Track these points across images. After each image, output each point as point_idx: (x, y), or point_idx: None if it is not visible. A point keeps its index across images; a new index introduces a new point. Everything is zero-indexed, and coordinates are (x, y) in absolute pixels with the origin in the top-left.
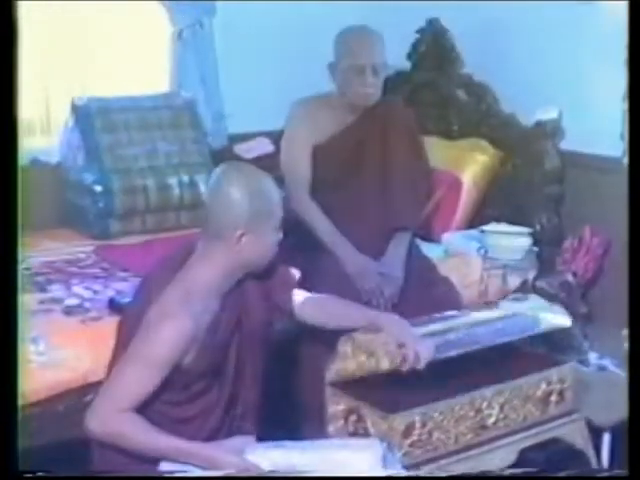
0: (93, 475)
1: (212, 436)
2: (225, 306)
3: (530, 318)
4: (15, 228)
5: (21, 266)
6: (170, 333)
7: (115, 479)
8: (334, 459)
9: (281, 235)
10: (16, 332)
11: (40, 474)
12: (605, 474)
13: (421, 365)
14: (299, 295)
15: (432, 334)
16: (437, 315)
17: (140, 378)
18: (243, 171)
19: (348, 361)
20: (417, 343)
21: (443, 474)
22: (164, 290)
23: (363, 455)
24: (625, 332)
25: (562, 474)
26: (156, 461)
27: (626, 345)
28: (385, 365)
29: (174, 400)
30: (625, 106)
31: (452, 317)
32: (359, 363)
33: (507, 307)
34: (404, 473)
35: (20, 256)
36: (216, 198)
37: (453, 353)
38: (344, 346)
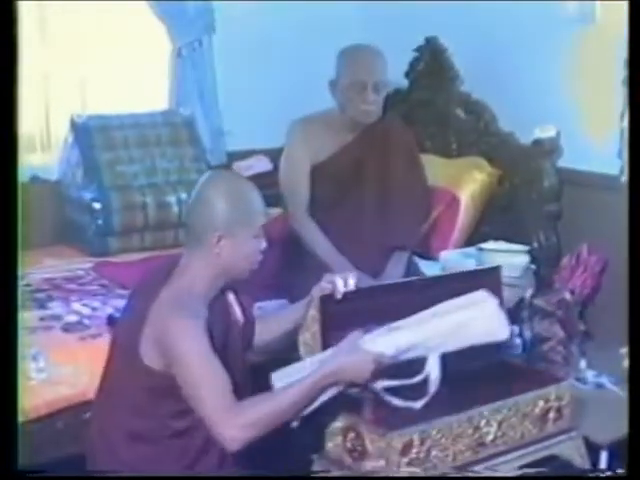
0: (93, 475)
1: (205, 447)
2: (213, 313)
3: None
4: (15, 245)
5: (21, 282)
6: (186, 328)
7: (115, 479)
8: (455, 321)
9: (264, 244)
10: (16, 342)
11: (40, 474)
12: (605, 474)
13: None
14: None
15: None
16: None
17: (214, 378)
18: (223, 177)
19: None
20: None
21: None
22: (154, 303)
23: (482, 306)
24: (623, 350)
25: (562, 474)
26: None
27: (624, 363)
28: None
29: (176, 409)
30: (622, 125)
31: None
32: None
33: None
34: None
35: (20, 273)
36: (196, 202)
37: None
38: None
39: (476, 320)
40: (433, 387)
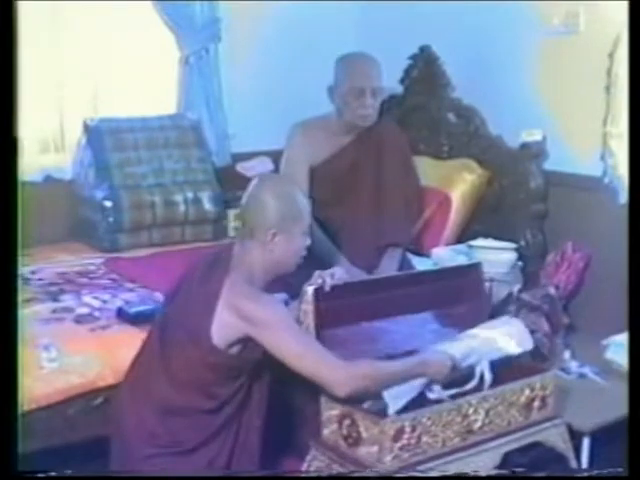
0: (93, 475)
1: (226, 424)
2: None
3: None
4: (15, 241)
5: (35, 276)
6: (272, 300)
7: (115, 479)
8: (496, 335)
9: (309, 241)
10: (16, 338)
11: (40, 474)
12: (605, 474)
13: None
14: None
15: None
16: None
17: (306, 341)
18: (274, 180)
19: None
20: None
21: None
22: (223, 289)
23: (512, 325)
24: (605, 342)
25: (563, 474)
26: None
27: (606, 354)
28: None
29: (219, 387)
30: (604, 129)
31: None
32: None
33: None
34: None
35: (28, 268)
36: (251, 203)
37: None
38: None
39: (511, 335)
40: (486, 386)
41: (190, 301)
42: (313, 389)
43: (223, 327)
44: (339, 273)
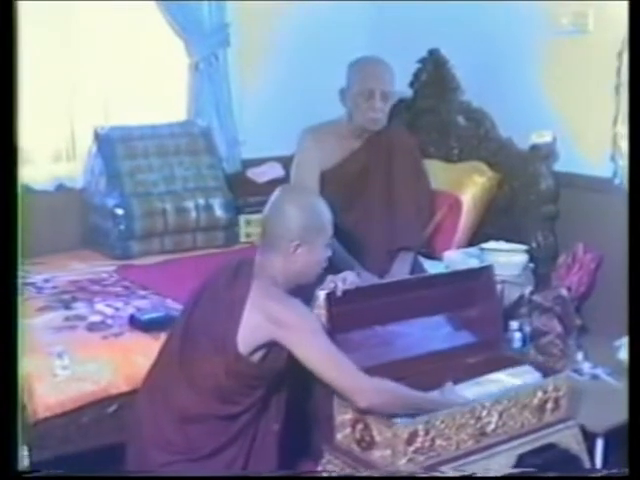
0: (93, 475)
1: (243, 430)
2: None
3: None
4: (15, 249)
5: (48, 284)
6: (300, 306)
7: (115, 479)
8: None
9: (330, 252)
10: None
11: (40, 474)
12: (606, 474)
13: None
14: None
15: None
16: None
17: (332, 349)
18: (298, 191)
19: None
20: None
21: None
22: (249, 295)
23: (532, 377)
24: (617, 343)
25: (563, 474)
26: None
27: (618, 355)
28: None
29: (241, 396)
30: (615, 130)
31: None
32: None
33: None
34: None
35: (41, 276)
36: (274, 214)
37: None
38: None
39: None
40: None
41: (215, 308)
42: (327, 394)
43: (250, 330)
44: (351, 277)
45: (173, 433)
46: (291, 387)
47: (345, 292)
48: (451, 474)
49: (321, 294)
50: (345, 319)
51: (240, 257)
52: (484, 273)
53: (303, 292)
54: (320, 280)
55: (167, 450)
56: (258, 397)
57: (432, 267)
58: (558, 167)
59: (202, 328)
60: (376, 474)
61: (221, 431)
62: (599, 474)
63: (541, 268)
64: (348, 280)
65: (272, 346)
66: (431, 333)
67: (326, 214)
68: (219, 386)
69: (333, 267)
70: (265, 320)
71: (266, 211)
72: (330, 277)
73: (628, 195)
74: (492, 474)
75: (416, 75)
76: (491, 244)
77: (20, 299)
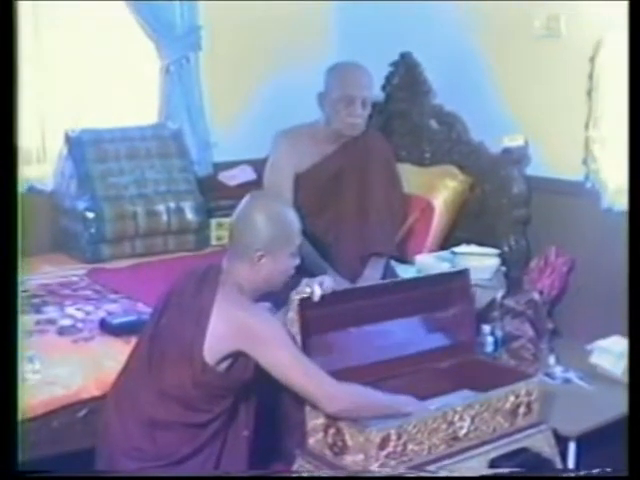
0: (93, 475)
1: (214, 437)
2: None
3: None
4: (15, 252)
5: (20, 288)
6: (266, 316)
7: (115, 479)
8: None
9: (298, 261)
10: (16, 345)
11: (40, 474)
12: (606, 474)
13: None
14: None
15: None
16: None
17: (300, 357)
18: (267, 199)
19: None
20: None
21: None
22: (214, 304)
23: None
24: (589, 347)
25: (564, 475)
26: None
27: (590, 358)
28: None
29: (209, 404)
30: (587, 134)
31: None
32: None
33: None
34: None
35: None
36: (241, 221)
37: None
38: None
39: None
40: None
41: (182, 316)
42: (298, 399)
43: (216, 340)
44: (328, 282)
45: (142, 440)
46: (262, 392)
47: (320, 296)
48: (444, 474)
49: (295, 298)
50: (319, 323)
51: (207, 263)
52: (460, 277)
53: (276, 295)
54: (294, 283)
55: (135, 457)
56: (226, 406)
57: (404, 271)
58: (530, 171)
59: (169, 336)
60: (372, 475)
61: (190, 438)
62: (593, 473)
63: (513, 272)
64: (325, 284)
65: (239, 356)
66: (406, 336)
67: (294, 223)
68: (186, 395)
69: (305, 270)
70: (231, 330)
71: (234, 218)
72: (306, 280)
73: (628, 196)
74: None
75: (388, 78)
76: (463, 248)
77: None
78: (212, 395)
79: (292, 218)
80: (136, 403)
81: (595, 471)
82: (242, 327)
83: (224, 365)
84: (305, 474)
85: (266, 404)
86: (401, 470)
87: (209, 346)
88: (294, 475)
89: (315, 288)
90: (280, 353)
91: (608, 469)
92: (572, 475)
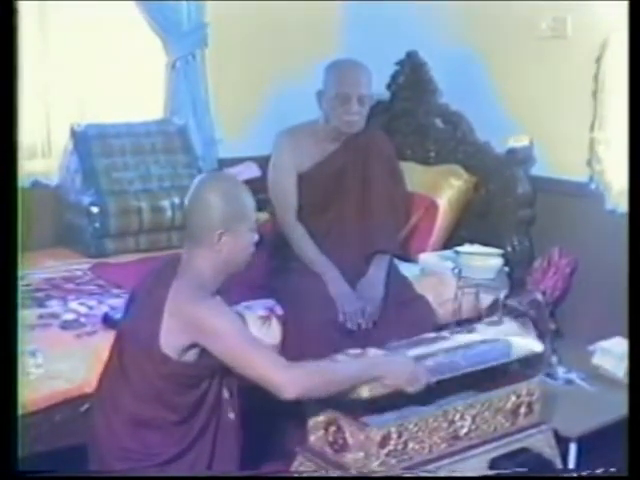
0: (93, 475)
1: (201, 432)
2: None
3: (505, 344)
4: (15, 246)
5: (22, 282)
6: (216, 305)
7: (115, 479)
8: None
9: (257, 237)
10: (16, 339)
11: (40, 474)
12: (606, 474)
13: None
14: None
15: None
16: (417, 338)
17: (257, 341)
18: (216, 178)
19: None
20: (416, 374)
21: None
22: (168, 297)
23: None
24: (591, 347)
25: (564, 475)
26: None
27: (592, 359)
28: (364, 393)
29: (183, 397)
30: (591, 135)
31: (431, 341)
32: None
33: (483, 331)
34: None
35: (20, 273)
36: (195, 206)
37: (432, 379)
38: None
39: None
40: None
41: (139, 312)
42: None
43: (171, 335)
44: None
45: (127, 439)
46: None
47: None
48: (448, 475)
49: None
50: None
51: (167, 258)
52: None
53: (275, 293)
54: (297, 282)
55: (123, 457)
56: (203, 396)
57: (407, 270)
58: (534, 171)
59: (130, 333)
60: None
61: (177, 437)
62: (593, 474)
63: (516, 272)
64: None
65: (199, 346)
66: None
67: (248, 198)
68: (156, 390)
69: (309, 270)
70: (180, 324)
71: (187, 204)
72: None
73: (628, 198)
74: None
75: (393, 77)
76: (466, 247)
77: None
78: (182, 386)
79: (244, 192)
80: (117, 403)
81: (597, 471)
82: (191, 320)
83: (190, 355)
84: (305, 473)
85: (264, 401)
86: (401, 468)
87: (165, 340)
88: (294, 475)
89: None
90: (230, 344)
91: (612, 469)
92: (572, 475)
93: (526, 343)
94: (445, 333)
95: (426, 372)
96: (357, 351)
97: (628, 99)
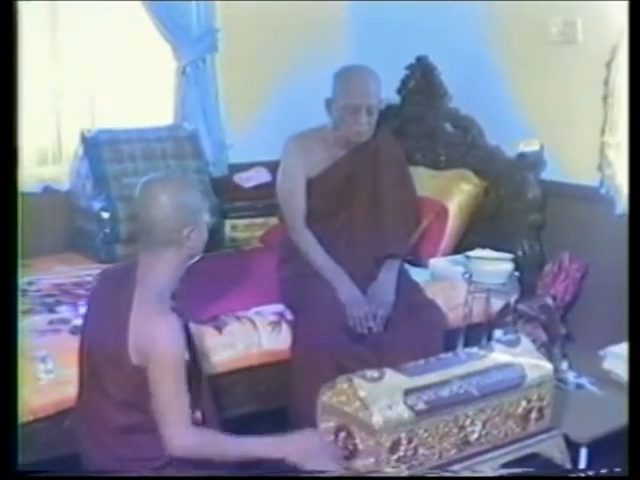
0: (93, 475)
1: None
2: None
3: (519, 372)
4: (15, 252)
5: (32, 288)
6: (167, 328)
7: (115, 479)
8: None
9: (208, 218)
10: (16, 342)
11: (40, 474)
12: (606, 474)
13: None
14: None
15: (428, 387)
16: (433, 360)
17: (176, 390)
18: (163, 181)
19: (342, 397)
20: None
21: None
22: (132, 305)
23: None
24: (602, 352)
25: (564, 475)
26: None
27: (603, 364)
28: (377, 420)
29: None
30: (602, 139)
31: (446, 364)
32: (352, 407)
33: (499, 352)
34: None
35: (26, 279)
36: (156, 210)
37: (445, 412)
38: (342, 384)
39: None
40: None
41: (104, 322)
42: (310, 402)
43: (137, 345)
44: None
45: (121, 448)
46: (278, 395)
47: None
48: (450, 474)
49: None
50: None
51: (123, 265)
52: None
53: (285, 297)
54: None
55: (118, 467)
56: None
57: (418, 274)
58: (545, 176)
59: (97, 343)
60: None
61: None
62: (594, 474)
63: (527, 277)
64: None
65: None
66: None
67: (194, 192)
68: (135, 396)
69: (319, 276)
70: (141, 341)
71: (143, 213)
72: None
73: (628, 200)
74: None
75: (404, 82)
76: (477, 252)
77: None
78: None
79: (188, 185)
80: (99, 414)
81: (602, 471)
82: (144, 344)
83: None
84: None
85: (275, 406)
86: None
87: (132, 350)
88: (294, 475)
89: None
90: (161, 374)
91: (618, 469)
92: (571, 475)
93: (538, 368)
94: (461, 353)
95: (334, 452)
96: (375, 374)
97: (628, 103)
